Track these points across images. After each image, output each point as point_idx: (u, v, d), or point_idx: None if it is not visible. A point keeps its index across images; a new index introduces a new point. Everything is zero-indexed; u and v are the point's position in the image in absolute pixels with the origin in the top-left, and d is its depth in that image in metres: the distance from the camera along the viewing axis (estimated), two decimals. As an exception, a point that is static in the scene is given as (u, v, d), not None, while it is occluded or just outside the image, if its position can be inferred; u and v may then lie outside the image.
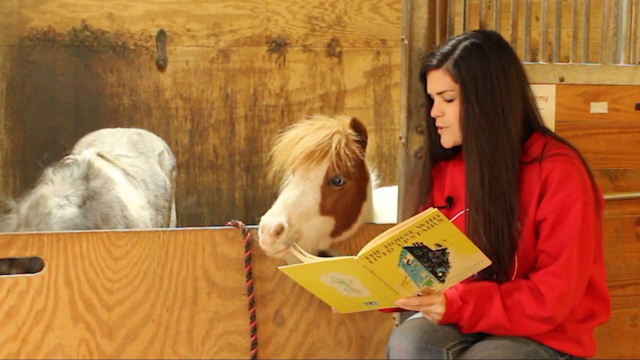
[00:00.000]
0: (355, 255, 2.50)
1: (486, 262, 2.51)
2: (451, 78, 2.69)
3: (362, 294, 2.61)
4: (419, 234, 2.41)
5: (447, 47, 2.72)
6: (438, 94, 2.73)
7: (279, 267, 2.73)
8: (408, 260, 2.46)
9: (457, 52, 2.69)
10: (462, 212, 2.77)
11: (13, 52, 4.78)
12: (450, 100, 2.71)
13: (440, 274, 2.50)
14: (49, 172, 3.58)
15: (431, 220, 2.38)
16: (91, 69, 4.89)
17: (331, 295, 2.68)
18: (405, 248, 2.44)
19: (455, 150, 2.82)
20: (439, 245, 2.44)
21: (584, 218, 2.59)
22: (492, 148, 2.65)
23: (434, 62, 2.72)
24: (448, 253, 2.46)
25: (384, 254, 2.45)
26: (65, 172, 3.58)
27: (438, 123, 2.77)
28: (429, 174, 2.89)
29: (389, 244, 2.44)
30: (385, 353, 2.71)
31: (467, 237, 2.52)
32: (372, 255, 2.46)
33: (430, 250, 2.45)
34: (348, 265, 2.52)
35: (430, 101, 2.81)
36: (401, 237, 2.42)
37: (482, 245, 2.62)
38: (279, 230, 2.94)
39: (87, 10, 4.85)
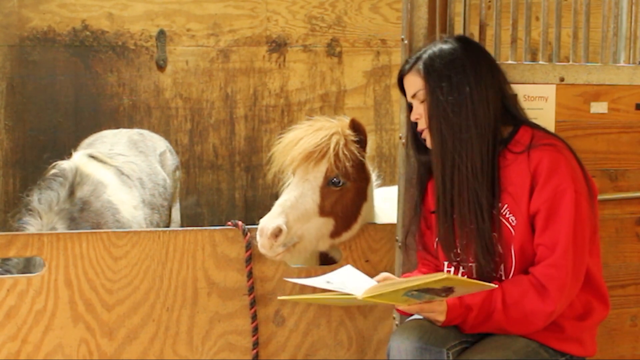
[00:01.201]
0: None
1: (491, 287, 2.54)
2: (420, 77, 2.74)
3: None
4: (426, 286, 2.45)
5: (419, 52, 2.78)
6: (412, 97, 2.78)
7: (279, 297, 2.74)
8: (412, 293, 2.49)
9: (426, 53, 2.75)
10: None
11: (13, 52, 4.78)
12: (423, 101, 2.75)
13: (444, 295, 2.52)
14: (34, 200, 3.48)
15: (441, 281, 2.41)
16: (91, 69, 4.89)
17: (331, 303, 2.71)
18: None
19: None
20: (445, 286, 2.47)
21: (577, 206, 2.60)
22: (455, 140, 2.67)
23: (407, 67, 2.80)
24: (453, 287, 2.50)
25: (388, 295, 2.50)
26: (50, 197, 3.50)
27: (419, 127, 2.80)
28: (422, 183, 2.91)
29: (395, 291, 2.47)
30: (386, 353, 2.71)
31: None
32: (375, 297, 2.51)
33: (436, 288, 2.48)
34: (350, 301, 2.55)
35: (411, 111, 2.84)
36: (408, 288, 2.45)
37: (456, 240, 2.66)
38: (277, 233, 2.94)
39: (87, 10, 4.85)
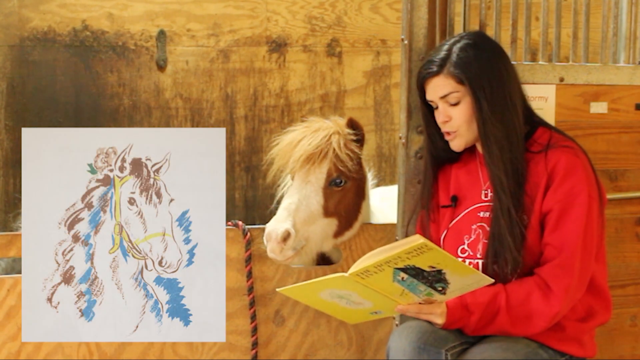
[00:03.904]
0: (346, 272, 2.49)
1: (487, 281, 2.50)
2: (454, 80, 2.67)
3: (365, 306, 2.61)
4: (408, 259, 2.39)
5: (442, 52, 2.71)
6: (442, 98, 2.70)
7: (277, 289, 2.72)
8: (402, 277, 2.45)
9: (454, 54, 2.68)
10: (468, 209, 2.77)
11: (13, 52, 4.77)
12: (455, 104, 2.69)
13: (440, 288, 2.49)
14: None
15: (419, 249, 2.36)
16: (91, 69, 4.89)
17: (335, 309, 2.68)
18: (397, 269, 2.43)
19: (459, 153, 2.82)
20: (433, 267, 2.43)
21: (589, 210, 2.61)
22: (508, 140, 2.65)
23: (434, 68, 2.70)
24: (444, 273, 2.44)
25: (375, 273, 2.44)
26: None
27: (446, 128, 2.75)
28: (433, 178, 2.87)
29: (378, 265, 2.42)
30: (385, 353, 2.71)
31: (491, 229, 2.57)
32: (362, 273, 2.45)
33: (424, 270, 2.43)
34: (341, 282, 2.52)
35: (428, 109, 2.80)
36: (390, 261, 2.40)
37: (507, 234, 2.62)
38: (286, 237, 2.94)
39: (87, 10, 4.84)
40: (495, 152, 2.66)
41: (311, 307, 2.79)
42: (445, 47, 2.72)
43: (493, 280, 2.53)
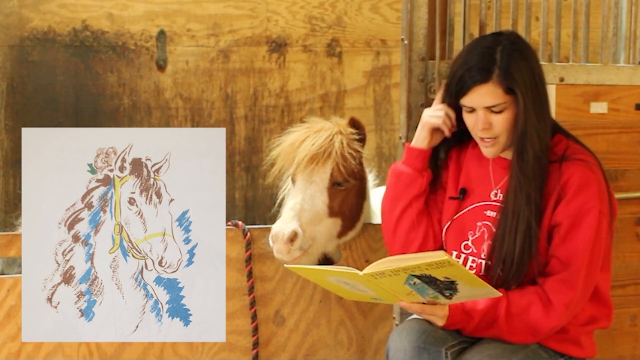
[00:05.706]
0: (360, 269, 2.49)
1: (495, 294, 2.50)
2: (503, 90, 2.59)
3: (367, 293, 2.62)
4: (427, 270, 2.39)
5: (485, 58, 2.61)
6: (487, 107, 2.63)
7: (285, 265, 2.73)
8: (414, 282, 2.46)
9: (501, 61, 2.60)
10: (474, 205, 2.76)
11: (13, 52, 4.77)
12: (499, 112, 2.63)
13: (448, 294, 2.50)
14: None
15: (441, 263, 2.36)
16: (91, 69, 4.89)
17: (337, 289, 2.70)
18: (412, 275, 2.44)
19: (467, 135, 2.78)
20: (448, 278, 2.44)
21: (598, 227, 2.58)
22: (542, 151, 2.62)
23: (478, 76, 2.61)
24: (457, 284, 2.45)
25: (390, 276, 2.45)
26: None
27: (485, 135, 2.66)
28: (436, 162, 2.87)
29: (395, 270, 2.42)
30: (385, 353, 2.71)
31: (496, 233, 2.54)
32: (377, 275, 2.46)
33: (438, 279, 2.44)
34: (352, 277, 2.53)
35: (458, 108, 2.73)
36: (409, 268, 2.41)
37: (511, 247, 2.60)
38: (293, 237, 2.93)
39: (87, 10, 4.84)
40: (530, 163, 2.60)
41: (312, 282, 2.79)
42: (487, 52, 2.63)
43: (501, 294, 2.52)
